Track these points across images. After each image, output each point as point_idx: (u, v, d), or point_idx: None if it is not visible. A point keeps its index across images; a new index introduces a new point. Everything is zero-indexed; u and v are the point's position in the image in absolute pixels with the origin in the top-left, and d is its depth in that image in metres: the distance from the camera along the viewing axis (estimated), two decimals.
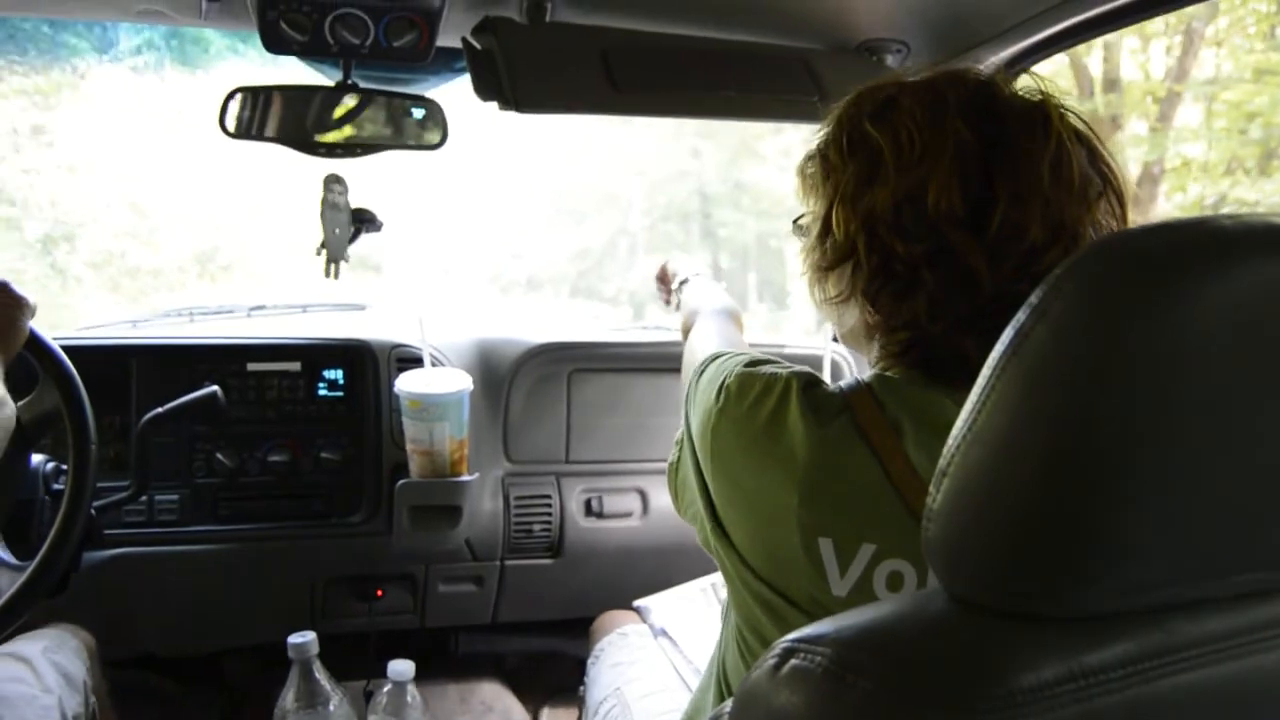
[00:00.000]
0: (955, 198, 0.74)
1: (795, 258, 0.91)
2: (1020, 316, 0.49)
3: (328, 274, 1.49)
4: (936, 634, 0.50)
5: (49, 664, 1.28)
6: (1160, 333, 0.46)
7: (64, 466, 1.37)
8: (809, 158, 0.87)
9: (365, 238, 1.55)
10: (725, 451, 0.80)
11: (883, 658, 0.49)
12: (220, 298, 3.85)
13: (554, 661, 1.90)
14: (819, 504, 0.73)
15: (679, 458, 0.91)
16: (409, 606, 1.68)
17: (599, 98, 1.27)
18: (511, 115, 1.32)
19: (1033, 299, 0.49)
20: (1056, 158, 0.75)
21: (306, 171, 1.51)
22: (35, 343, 1.21)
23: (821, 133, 0.85)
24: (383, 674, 1.56)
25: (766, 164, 5.53)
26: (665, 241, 5.78)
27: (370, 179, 1.52)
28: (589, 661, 1.46)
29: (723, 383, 0.83)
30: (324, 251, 1.49)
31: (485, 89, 1.35)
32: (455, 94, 1.59)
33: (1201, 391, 0.46)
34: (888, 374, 0.82)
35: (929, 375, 0.80)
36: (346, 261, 1.51)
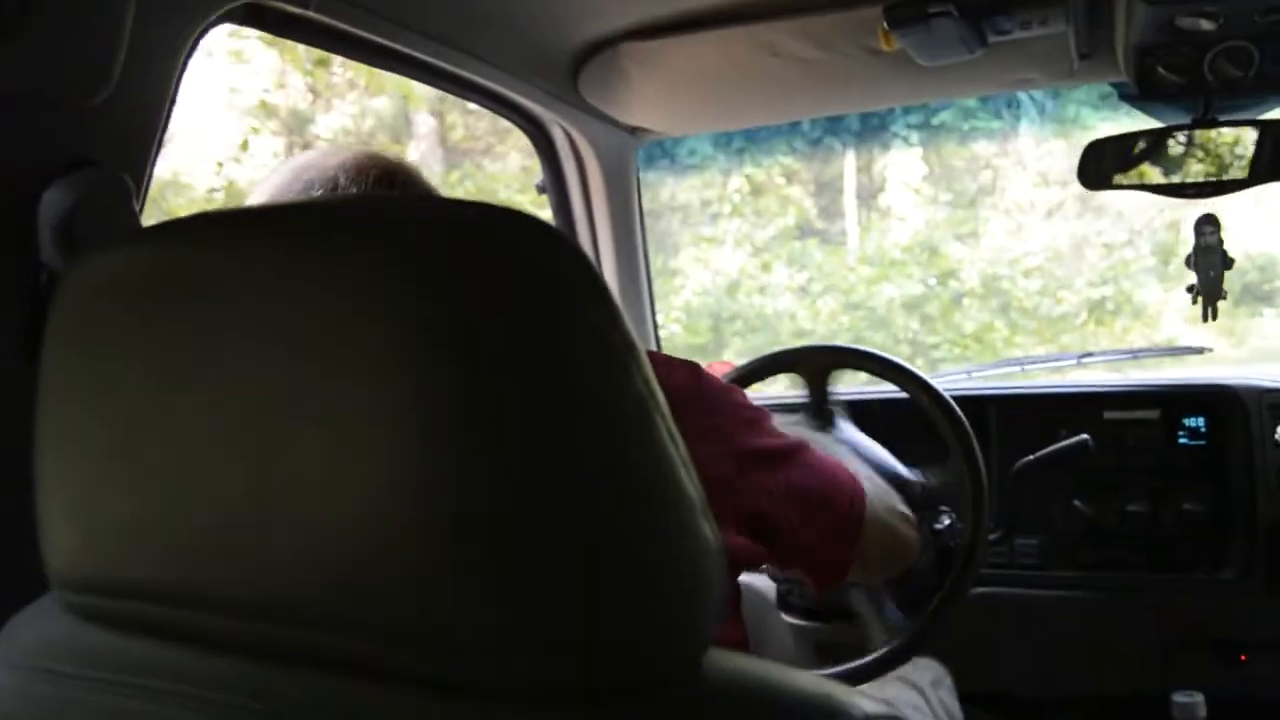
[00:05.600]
0: None
1: None
2: None
3: (1205, 318, 1.44)
4: None
5: (938, 700, 1.36)
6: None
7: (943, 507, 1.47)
8: None
9: None
10: None
11: None
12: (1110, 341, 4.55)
13: None
14: None
15: None
16: (1276, 677, 1.52)
17: None
18: None
19: None
20: None
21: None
22: (941, 403, 1.33)
23: None
24: None
25: None
26: None
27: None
28: None
29: None
30: (1198, 295, 1.45)
31: None
32: None
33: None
34: None
35: None
36: (1224, 299, 1.45)
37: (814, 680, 0.42)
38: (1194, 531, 1.49)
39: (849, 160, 6.04)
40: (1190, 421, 1.51)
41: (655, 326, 1.87)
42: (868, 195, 6.31)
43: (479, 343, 0.39)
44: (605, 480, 0.39)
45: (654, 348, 1.84)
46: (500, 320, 0.39)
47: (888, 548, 1.03)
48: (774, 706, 0.40)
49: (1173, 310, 5.07)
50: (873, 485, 1.02)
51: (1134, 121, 1.56)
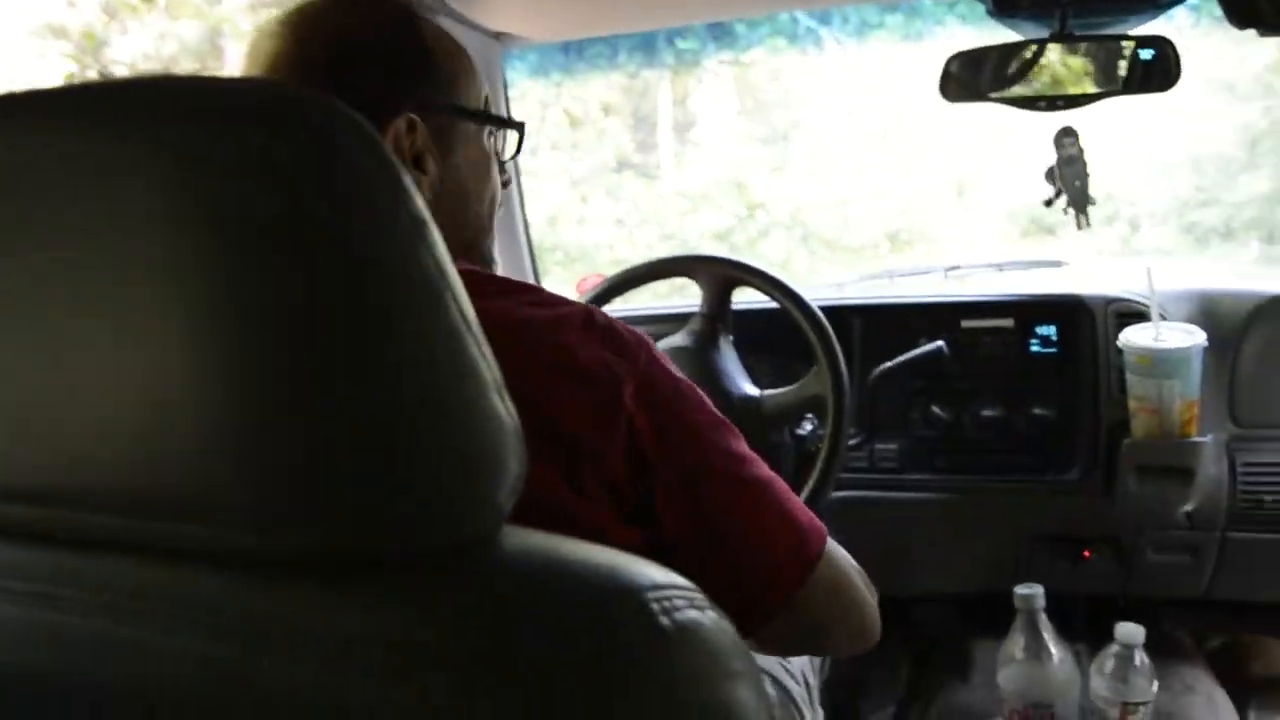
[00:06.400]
0: None
1: None
2: None
3: (1080, 226, 1.51)
4: None
5: None
6: None
7: (807, 414, 1.49)
8: None
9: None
10: None
11: None
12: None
13: (1260, 647, 1.77)
14: None
15: None
16: (1114, 572, 1.63)
17: None
18: None
19: None
20: None
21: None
22: (803, 306, 1.34)
23: None
24: (1084, 638, 1.54)
25: None
26: None
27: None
28: None
29: None
30: (1067, 206, 1.51)
31: (1240, 14, 1.27)
32: None
33: None
34: None
35: None
36: (1094, 204, 1.52)
37: (606, 552, 0.43)
38: (1044, 435, 1.57)
39: (664, 94, 6.12)
40: (1042, 330, 1.58)
41: (528, 238, 1.80)
42: (683, 129, 6.42)
43: (255, 215, 0.39)
44: (389, 351, 0.40)
45: (527, 256, 1.78)
46: (276, 193, 0.39)
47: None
48: (563, 577, 0.42)
49: (963, 239, 5.38)
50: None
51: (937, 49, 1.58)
